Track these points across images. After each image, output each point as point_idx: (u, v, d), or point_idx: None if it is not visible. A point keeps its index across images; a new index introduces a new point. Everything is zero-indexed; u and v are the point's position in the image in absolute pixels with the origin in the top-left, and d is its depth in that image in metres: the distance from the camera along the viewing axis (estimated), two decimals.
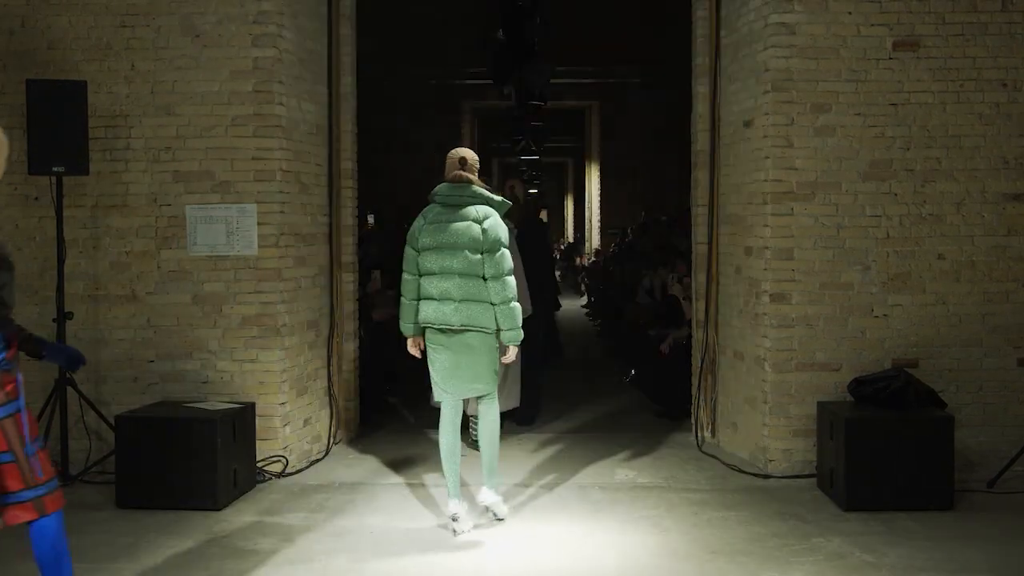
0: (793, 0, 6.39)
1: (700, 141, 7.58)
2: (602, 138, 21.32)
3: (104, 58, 6.59)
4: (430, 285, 5.40)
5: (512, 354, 5.53)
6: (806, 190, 6.43)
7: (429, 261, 5.41)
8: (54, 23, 6.62)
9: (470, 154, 5.58)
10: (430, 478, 6.46)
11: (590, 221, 22.41)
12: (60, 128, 6.12)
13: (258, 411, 6.44)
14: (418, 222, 5.53)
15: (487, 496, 5.60)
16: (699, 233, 7.66)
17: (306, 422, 6.95)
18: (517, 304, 5.40)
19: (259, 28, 6.50)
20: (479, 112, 21.51)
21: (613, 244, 17.82)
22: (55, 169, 6.15)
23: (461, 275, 5.34)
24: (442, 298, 5.37)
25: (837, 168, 6.43)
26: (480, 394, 5.53)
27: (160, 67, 6.56)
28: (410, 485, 6.33)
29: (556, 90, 17.62)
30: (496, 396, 5.59)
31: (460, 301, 5.34)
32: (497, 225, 5.39)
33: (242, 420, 6.15)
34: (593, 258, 20.20)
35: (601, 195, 21.53)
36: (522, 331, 5.44)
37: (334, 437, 7.39)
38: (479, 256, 5.33)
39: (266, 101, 6.50)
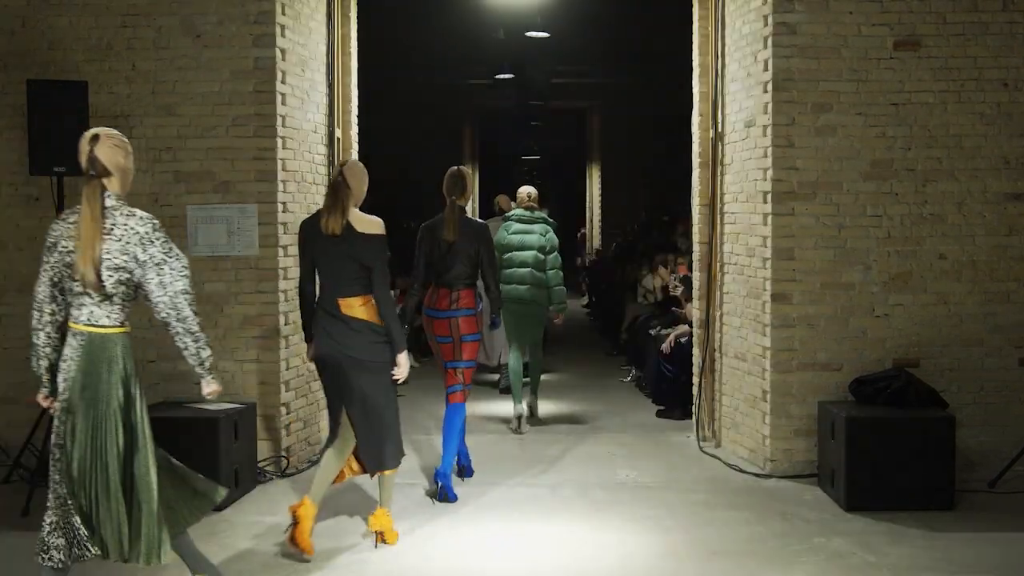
0: (794, 0, 6.38)
1: (701, 141, 7.59)
2: (603, 138, 21.32)
3: (105, 58, 6.59)
4: (512, 274, 7.94)
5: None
6: (807, 190, 6.43)
7: (512, 257, 7.97)
8: (55, 23, 6.62)
9: (534, 190, 8.34)
10: (429, 478, 6.45)
11: (591, 221, 22.41)
12: (61, 128, 6.10)
13: (259, 411, 6.45)
14: (502, 233, 8.03)
15: (532, 402, 8.44)
16: (700, 233, 7.66)
17: (307, 422, 6.96)
18: (563, 287, 8.11)
19: (260, 28, 6.50)
20: (480, 112, 21.51)
21: (614, 244, 17.81)
22: (56, 169, 6.14)
23: (532, 267, 7.98)
24: (520, 282, 7.97)
25: (838, 168, 6.43)
26: (532, 343, 8.30)
27: (161, 67, 6.57)
28: (410, 485, 6.33)
29: (556, 90, 17.65)
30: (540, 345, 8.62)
31: (531, 285, 7.97)
32: (553, 235, 8.10)
33: (243, 420, 6.15)
34: (594, 257, 20.20)
35: (602, 195, 21.54)
36: (566, 304, 8.27)
37: None
38: (543, 256, 8.01)
39: (267, 101, 6.50)
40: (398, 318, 5.19)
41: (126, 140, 4.08)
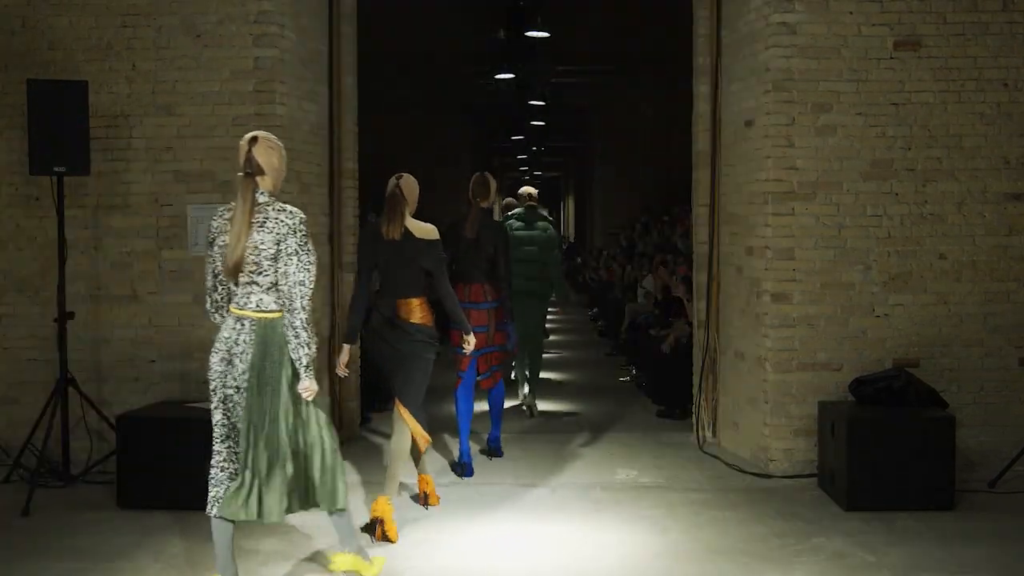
0: (794, 0, 6.38)
1: (701, 141, 7.58)
2: (603, 138, 21.33)
3: (105, 58, 6.59)
4: (518, 267, 7.73)
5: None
6: (807, 190, 6.43)
7: (517, 252, 7.73)
8: (55, 23, 6.62)
9: (534, 190, 8.76)
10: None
11: (591, 221, 22.42)
12: (61, 128, 6.12)
13: None
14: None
15: (531, 402, 8.75)
16: (700, 233, 7.66)
17: None
18: (563, 281, 9.04)
19: (260, 28, 6.50)
20: (480, 112, 21.52)
21: (620, 245, 17.78)
22: (56, 169, 6.14)
23: (533, 262, 8.25)
24: (523, 276, 8.05)
25: (838, 168, 6.43)
26: (535, 333, 8.73)
27: (161, 67, 6.57)
28: (412, 485, 6.33)
29: (557, 89, 17.66)
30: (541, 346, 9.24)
31: (532, 279, 8.26)
32: (553, 232, 8.52)
33: None
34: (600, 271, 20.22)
35: (602, 195, 21.55)
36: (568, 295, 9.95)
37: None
38: (544, 252, 8.32)
39: (267, 101, 6.51)
40: (459, 308, 5.86)
41: (280, 144, 4.40)
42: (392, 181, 5.62)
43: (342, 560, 4.60)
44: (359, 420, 7.83)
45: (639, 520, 5.63)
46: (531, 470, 6.75)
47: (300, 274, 4.20)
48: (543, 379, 9.84)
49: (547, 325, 11.10)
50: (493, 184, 6.84)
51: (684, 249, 11.24)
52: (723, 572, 4.84)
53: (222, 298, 4.36)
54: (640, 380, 10.04)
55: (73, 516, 5.73)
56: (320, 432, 4.36)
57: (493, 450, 7.07)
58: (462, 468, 6.56)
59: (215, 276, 4.33)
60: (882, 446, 5.79)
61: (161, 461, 5.85)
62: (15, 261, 6.72)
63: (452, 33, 14.17)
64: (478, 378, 6.71)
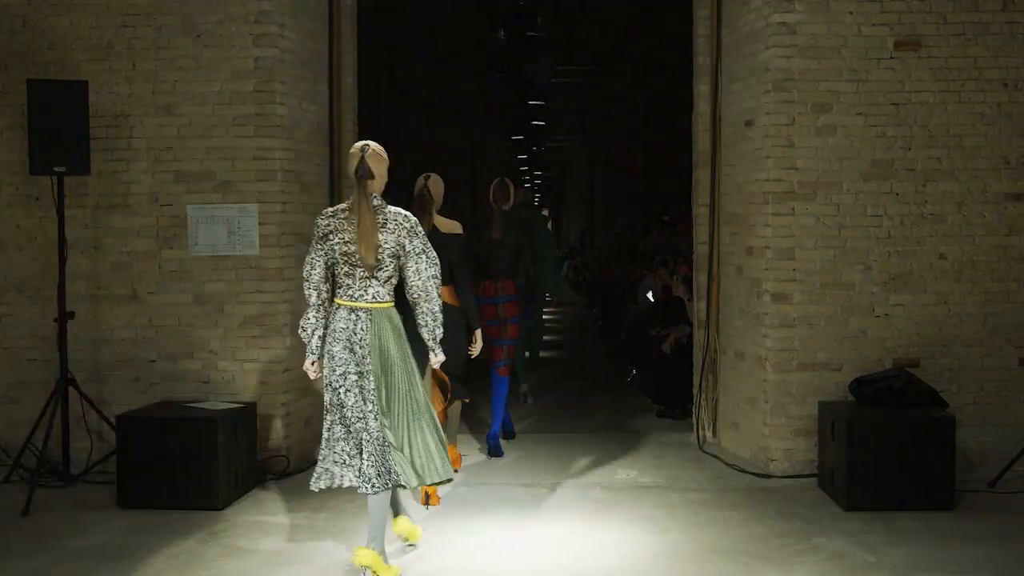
0: (794, 0, 6.38)
1: (701, 141, 7.58)
2: (603, 138, 21.31)
3: (105, 58, 6.59)
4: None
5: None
6: (807, 190, 6.43)
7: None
8: (55, 23, 6.62)
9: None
10: None
11: (592, 221, 22.42)
12: (61, 128, 6.12)
13: (259, 411, 6.45)
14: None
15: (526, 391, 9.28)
16: (700, 233, 7.66)
17: (307, 422, 6.96)
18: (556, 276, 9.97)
19: (260, 28, 6.50)
20: (480, 112, 21.51)
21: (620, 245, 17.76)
22: (56, 169, 6.14)
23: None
24: None
25: (838, 168, 6.43)
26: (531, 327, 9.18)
27: (161, 67, 6.57)
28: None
29: (557, 89, 17.64)
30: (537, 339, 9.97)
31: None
32: (547, 231, 8.75)
33: (243, 420, 6.15)
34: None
35: (603, 195, 21.54)
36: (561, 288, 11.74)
37: None
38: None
39: (267, 101, 6.51)
40: (474, 303, 6.28)
41: (385, 153, 4.85)
42: (420, 181, 6.18)
43: (364, 555, 4.69)
44: None
45: (639, 520, 5.63)
46: (531, 470, 6.75)
47: (432, 269, 4.78)
48: (545, 378, 9.86)
49: (545, 324, 12.05)
50: (512, 188, 7.52)
51: (684, 249, 11.23)
52: (723, 572, 4.84)
53: (327, 289, 4.79)
54: (640, 380, 10.03)
55: (73, 516, 5.73)
56: (431, 410, 4.86)
57: (493, 448, 7.17)
58: (507, 433, 7.57)
59: (327, 268, 4.76)
60: (882, 446, 5.79)
61: (161, 461, 5.86)
62: (15, 261, 6.72)
63: (452, 33, 14.16)
64: (496, 365, 7.21)
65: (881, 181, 6.44)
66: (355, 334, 4.66)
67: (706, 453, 7.15)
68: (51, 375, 6.35)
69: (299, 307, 6.77)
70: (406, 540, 5.18)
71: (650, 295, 11.37)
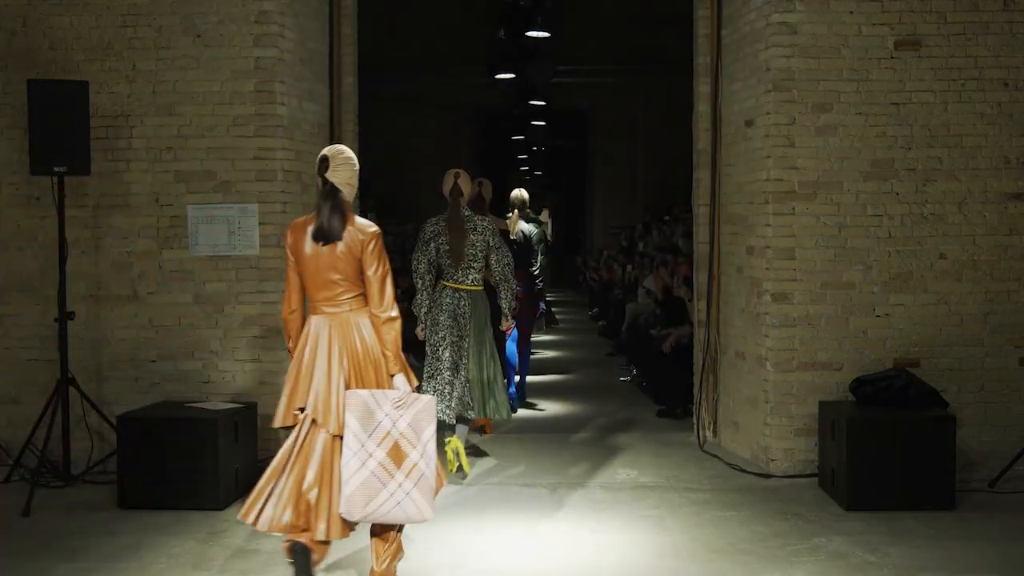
0: (795, 0, 6.38)
1: (702, 140, 7.58)
2: (603, 138, 21.31)
3: (106, 58, 6.59)
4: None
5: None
6: (808, 189, 6.43)
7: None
8: (56, 23, 6.62)
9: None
10: None
11: (592, 221, 22.41)
12: (62, 128, 6.12)
13: (259, 411, 6.44)
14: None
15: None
16: (701, 233, 7.66)
17: None
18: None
19: (260, 28, 6.50)
20: (480, 111, 21.50)
21: (620, 245, 17.75)
22: (57, 169, 6.15)
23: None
24: None
25: (839, 167, 6.43)
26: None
27: (161, 67, 6.57)
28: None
29: (557, 89, 17.64)
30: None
31: None
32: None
33: (244, 420, 6.15)
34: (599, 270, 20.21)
35: (603, 195, 21.53)
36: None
37: None
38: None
39: (267, 101, 6.51)
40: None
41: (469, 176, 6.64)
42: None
43: (455, 440, 6.32)
44: None
45: (639, 520, 5.63)
46: (531, 470, 6.75)
47: (506, 258, 6.56)
48: (544, 379, 9.86)
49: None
50: (526, 197, 8.85)
51: (685, 249, 11.23)
52: (724, 572, 4.84)
53: (432, 278, 6.44)
54: (640, 380, 10.04)
55: (73, 516, 5.73)
56: (499, 366, 6.65)
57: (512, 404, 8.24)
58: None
59: (430, 264, 6.41)
60: (882, 446, 5.79)
61: (161, 461, 5.86)
62: (15, 261, 6.72)
63: (452, 33, 14.16)
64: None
65: (881, 181, 6.44)
66: (459, 308, 6.39)
67: (706, 453, 7.15)
68: (51, 375, 6.35)
69: None
70: (455, 456, 6.33)
71: (650, 295, 11.37)
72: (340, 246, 4.33)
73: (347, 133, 7.58)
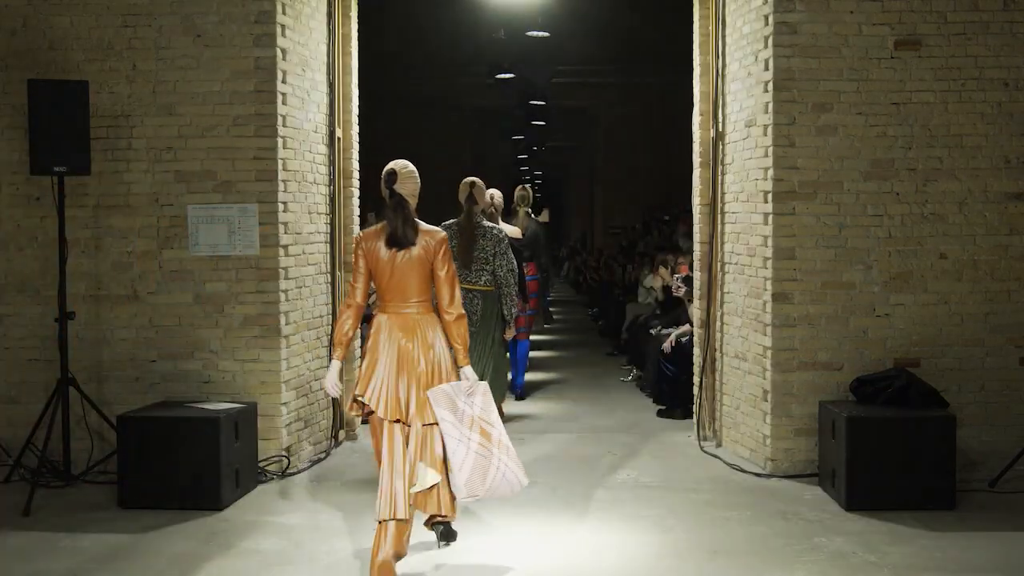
0: (795, 0, 6.38)
1: (702, 140, 7.58)
2: (603, 137, 21.32)
3: (106, 58, 6.59)
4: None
5: None
6: (808, 189, 6.43)
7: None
8: (56, 23, 6.62)
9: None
10: None
11: (592, 221, 22.41)
12: (62, 128, 6.11)
13: (260, 411, 6.45)
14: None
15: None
16: (700, 233, 7.66)
17: (308, 422, 6.96)
18: None
19: (261, 28, 6.50)
20: (479, 111, 21.51)
21: (620, 245, 17.76)
22: (57, 169, 6.14)
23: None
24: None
25: (839, 167, 6.43)
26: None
27: (162, 67, 6.56)
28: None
29: (557, 89, 17.64)
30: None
31: None
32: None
33: (244, 420, 6.15)
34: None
35: (603, 195, 21.53)
36: None
37: (336, 437, 7.40)
38: None
39: (268, 101, 6.50)
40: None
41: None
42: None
43: None
44: (359, 420, 7.81)
45: (640, 520, 5.63)
46: (531, 470, 6.73)
47: (510, 264, 7.04)
48: (545, 378, 9.86)
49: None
50: (530, 194, 9.68)
51: (685, 249, 11.23)
52: (724, 572, 4.84)
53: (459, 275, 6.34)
54: (640, 380, 10.03)
55: (74, 516, 5.73)
56: (505, 357, 7.51)
57: (519, 393, 9.28)
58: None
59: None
60: (883, 446, 5.79)
61: (161, 461, 5.87)
62: (15, 261, 6.72)
63: (452, 33, 14.16)
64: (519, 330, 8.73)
65: (882, 181, 6.44)
66: (471, 305, 6.82)
67: (707, 453, 7.15)
68: (52, 375, 6.35)
69: (299, 307, 6.80)
70: None
71: (650, 294, 11.37)
72: (414, 251, 4.79)
73: (347, 134, 7.58)
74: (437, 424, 4.69)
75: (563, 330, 16.04)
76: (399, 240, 4.77)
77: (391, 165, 4.90)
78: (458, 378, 4.85)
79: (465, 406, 4.72)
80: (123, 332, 6.64)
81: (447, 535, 5.05)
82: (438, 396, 4.70)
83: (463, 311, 4.89)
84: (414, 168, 4.95)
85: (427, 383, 4.73)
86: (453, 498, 4.79)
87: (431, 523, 5.00)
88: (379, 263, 4.79)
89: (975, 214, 6.45)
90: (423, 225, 4.87)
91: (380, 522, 4.63)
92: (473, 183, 7.06)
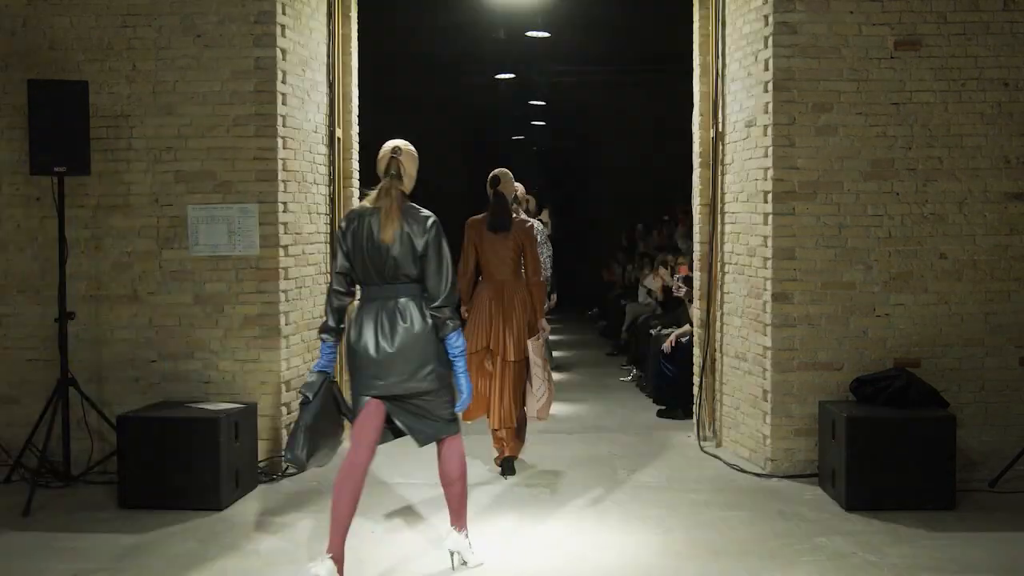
0: (795, 0, 6.38)
1: (702, 140, 7.59)
2: (604, 137, 21.30)
3: (105, 58, 6.59)
4: None
5: None
6: (808, 189, 6.43)
7: None
8: (55, 23, 6.62)
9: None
10: (430, 478, 6.44)
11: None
12: (62, 128, 6.12)
13: (260, 411, 6.45)
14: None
15: None
16: (701, 232, 7.66)
17: None
18: None
19: (260, 28, 6.50)
20: (479, 111, 21.50)
21: (620, 245, 17.73)
22: (57, 169, 6.14)
23: None
24: None
25: (839, 167, 6.43)
26: None
27: (161, 67, 6.56)
28: (412, 485, 6.34)
29: (557, 89, 17.65)
30: None
31: None
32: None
33: (244, 420, 6.15)
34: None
35: (603, 194, 21.51)
36: None
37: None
38: None
39: (267, 101, 6.50)
40: None
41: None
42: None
43: None
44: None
45: (639, 520, 5.63)
46: (531, 470, 6.75)
47: (536, 257, 7.06)
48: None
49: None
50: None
51: (685, 249, 11.23)
52: (724, 572, 4.84)
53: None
54: (640, 380, 10.04)
55: (74, 516, 5.73)
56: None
57: None
58: None
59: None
60: (883, 446, 5.79)
61: (161, 461, 5.87)
62: (15, 261, 6.72)
63: (452, 33, 14.15)
64: None
65: (882, 181, 6.44)
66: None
67: (707, 453, 7.15)
68: (51, 375, 6.35)
69: (299, 307, 6.79)
70: None
71: (650, 294, 11.38)
72: (510, 235, 6.56)
73: (347, 133, 7.59)
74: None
75: (563, 330, 16.04)
76: (500, 225, 6.56)
77: (495, 172, 6.73)
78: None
79: (534, 351, 6.55)
80: (123, 332, 6.64)
81: (510, 469, 6.58)
82: (531, 345, 6.51)
83: (542, 278, 6.72)
84: (511, 174, 6.77)
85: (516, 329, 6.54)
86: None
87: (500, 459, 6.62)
88: (484, 243, 6.60)
89: (975, 214, 6.45)
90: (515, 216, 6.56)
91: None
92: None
